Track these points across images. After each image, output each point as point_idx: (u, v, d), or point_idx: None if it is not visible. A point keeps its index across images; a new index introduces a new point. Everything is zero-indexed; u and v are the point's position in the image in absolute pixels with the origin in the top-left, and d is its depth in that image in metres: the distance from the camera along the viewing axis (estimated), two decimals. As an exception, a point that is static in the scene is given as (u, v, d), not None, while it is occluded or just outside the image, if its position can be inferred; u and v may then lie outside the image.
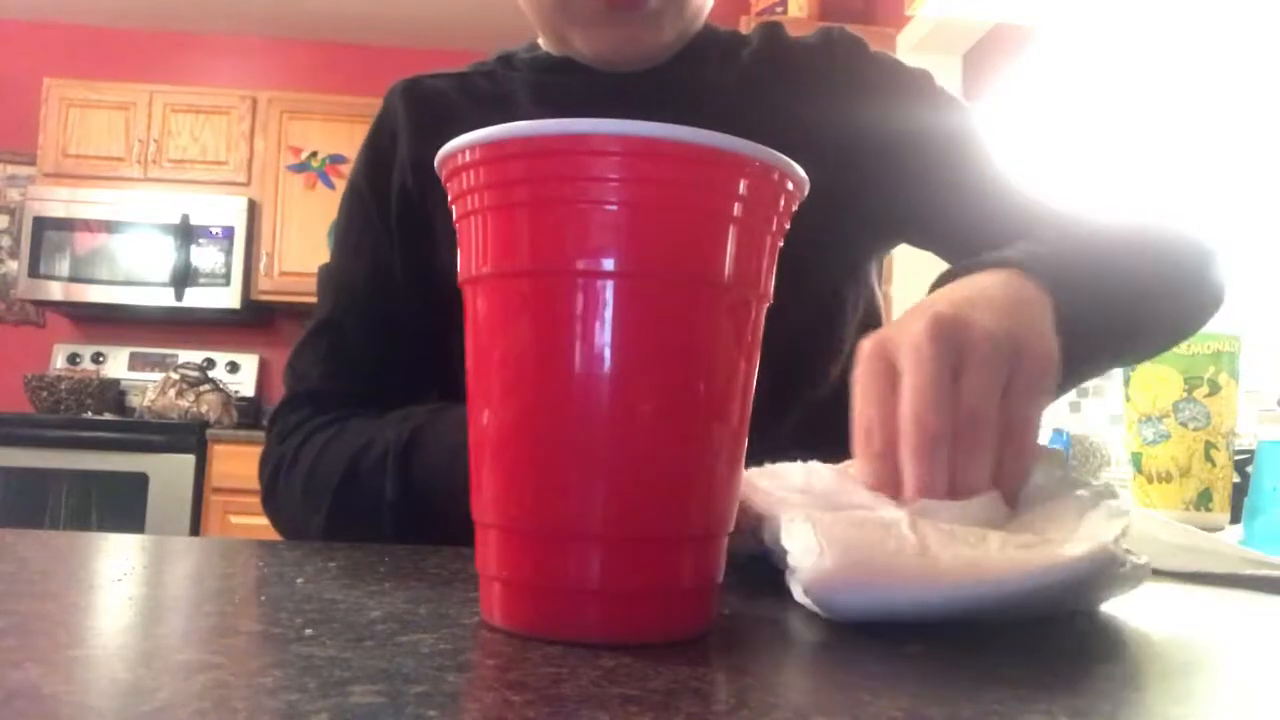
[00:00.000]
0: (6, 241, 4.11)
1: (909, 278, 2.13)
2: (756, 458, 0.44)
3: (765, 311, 0.38)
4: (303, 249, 3.80)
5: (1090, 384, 2.04)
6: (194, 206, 3.76)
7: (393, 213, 0.80)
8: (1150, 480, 1.05)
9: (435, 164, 0.38)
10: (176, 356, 4.01)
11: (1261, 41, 1.82)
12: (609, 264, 0.34)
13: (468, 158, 0.36)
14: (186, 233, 3.73)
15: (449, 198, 0.38)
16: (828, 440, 0.53)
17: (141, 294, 3.73)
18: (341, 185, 0.88)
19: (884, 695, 0.29)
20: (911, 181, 0.79)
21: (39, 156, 3.86)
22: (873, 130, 0.79)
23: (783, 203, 0.37)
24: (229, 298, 3.76)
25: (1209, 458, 1.02)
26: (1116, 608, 0.45)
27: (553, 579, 0.35)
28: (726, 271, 0.35)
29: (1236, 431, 1.06)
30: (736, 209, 0.35)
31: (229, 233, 3.76)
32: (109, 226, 3.73)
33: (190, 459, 3.38)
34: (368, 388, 0.78)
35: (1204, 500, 1.02)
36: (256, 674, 0.28)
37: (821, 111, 0.79)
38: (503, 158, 0.35)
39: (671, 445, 0.35)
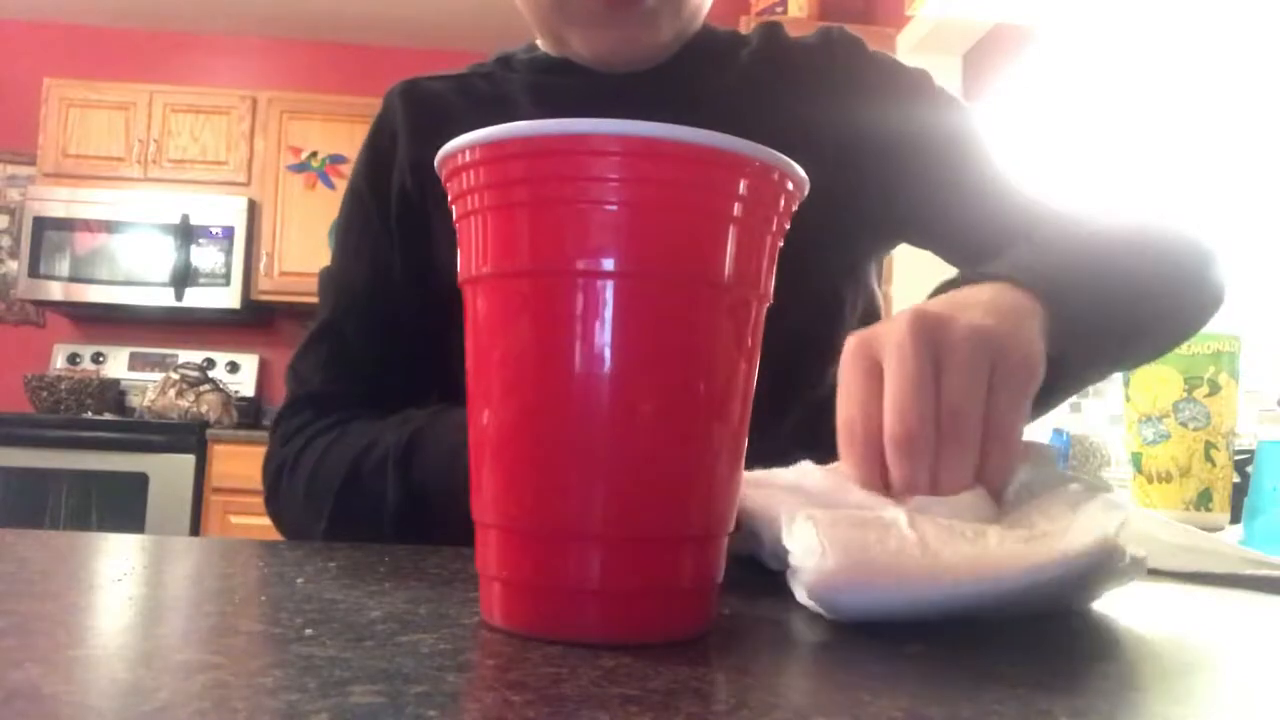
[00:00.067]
0: (6, 241, 4.11)
1: (909, 278, 2.13)
2: (756, 458, 0.44)
3: (765, 311, 0.38)
4: (303, 249, 3.80)
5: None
6: (194, 206, 3.76)
7: (392, 213, 0.80)
8: (1150, 480, 1.05)
9: (435, 164, 0.38)
10: (176, 356, 4.01)
11: (1261, 41, 1.82)
12: (609, 264, 0.34)
13: (468, 158, 0.36)
14: (186, 233, 3.74)
15: (449, 198, 0.38)
16: (828, 440, 0.53)
17: (141, 294, 3.74)
18: (341, 185, 0.88)
19: (884, 695, 0.29)
20: (911, 181, 0.79)
21: (39, 156, 3.87)
22: (872, 130, 0.79)
23: (783, 203, 0.37)
24: (229, 298, 3.77)
25: (1209, 458, 1.02)
26: (1116, 607, 0.45)
27: (553, 579, 0.35)
28: (726, 271, 0.35)
29: (1236, 431, 1.06)
30: (736, 209, 0.35)
31: (229, 233, 3.76)
32: (109, 226, 3.73)
33: (190, 459, 3.38)
34: (369, 389, 0.78)
35: (1204, 500, 1.02)
36: (256, 674, 0.28)
37: (821, 111, 0.79)
38: (503, 158, 0.35)
39: (671, 445, 0.35)
